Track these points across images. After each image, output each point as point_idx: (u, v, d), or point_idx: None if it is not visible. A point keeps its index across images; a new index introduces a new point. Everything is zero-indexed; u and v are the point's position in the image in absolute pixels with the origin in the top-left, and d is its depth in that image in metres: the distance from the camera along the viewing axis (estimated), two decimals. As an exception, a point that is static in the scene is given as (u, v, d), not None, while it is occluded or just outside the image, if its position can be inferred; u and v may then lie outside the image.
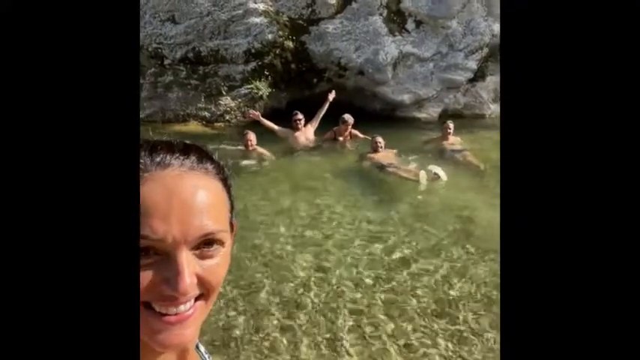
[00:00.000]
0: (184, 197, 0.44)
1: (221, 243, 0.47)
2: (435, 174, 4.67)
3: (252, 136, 5.51)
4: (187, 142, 0.50)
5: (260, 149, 5.50)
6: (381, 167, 4.98)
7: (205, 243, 0.45)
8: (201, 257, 0.45)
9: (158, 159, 0.45)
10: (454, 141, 5.86)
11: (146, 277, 0.43)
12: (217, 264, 0.46)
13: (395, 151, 5.44)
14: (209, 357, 0.59)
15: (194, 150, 0.48)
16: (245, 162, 5.35)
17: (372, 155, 5.28)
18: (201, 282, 0.45)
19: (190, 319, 0.45)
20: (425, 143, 6.12)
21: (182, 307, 0.44)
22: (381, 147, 5.26)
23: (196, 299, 0.46)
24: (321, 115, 5.99)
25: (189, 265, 0.43)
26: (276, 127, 5.91)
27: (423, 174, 4.58)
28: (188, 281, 0.43)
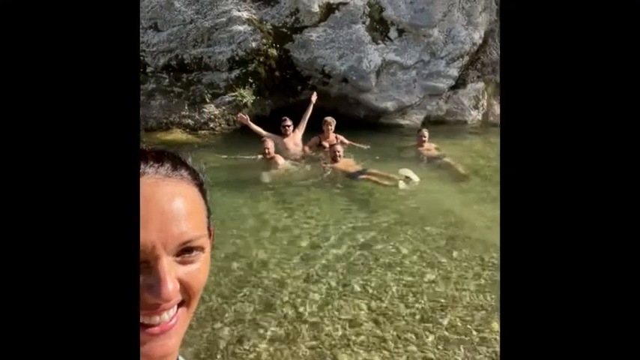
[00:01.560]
0: (161, 205, 0.44)
1: (201, 249, 0.47)
2: (407, 177, 4.74)
3: (270, 144, 5.36)
4: (160, 149, 0.49)
5: (278, 157, 5.38)
6: (351, 175, 4.99)
7: (185, 250, 0.45)
8: (182, 263, 0.45)
9: None
10: (429, 147, 6.05)
11: None
12: (198, 269, 0.46)
13: (352, 159, 5.44)
14: None
15: (167, 157, 0.48)
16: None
17: (333, 165, 5.25)
18: (184, 287, 0.45)
19: (174, 329, 0.45)
20: (400, 150, 6.23)
21: (165, 316, 0.44)
22: (340, 155, 5.27)
23: (178, 306, 0.46)
24: (306, 119, 6.00)
25: (170, 271, 0.43)
26: (264, 132, 5.88)
27: (402, 184, 4.63)
28: (171, 287, 0.42)
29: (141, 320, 0.43)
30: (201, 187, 0.50)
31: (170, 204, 0.44)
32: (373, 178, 4.79)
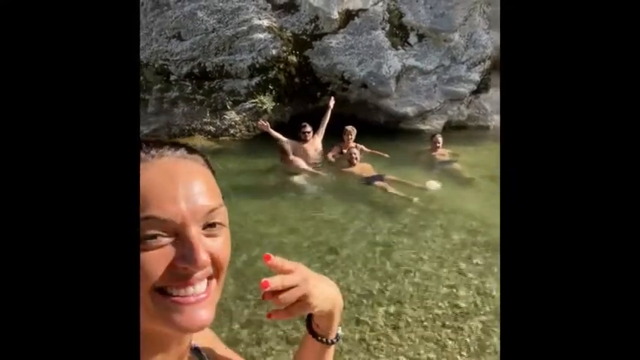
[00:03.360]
0: (185, 179, 0.47)
1: (222, 223, 0.49)
2: (429, 189, 4.71)
3: (288, 146, 5.34)
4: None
5: (297, 159, 5.37)
6: (367, 180, 4.93)
7: (209, 225, 0.47)
8: (208, 236, 0.47)
9: (153, 152, 0.48)
10: (443, 152, 6.01)
11: (159, 261, 0.44)
12: (223, 242, 0.48)
13: (369, 165, 5.38)
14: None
15: (181, 144, 0.52)
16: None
17: (350, 169, 5.18)
18: (212, 260, 0.47)
19: (207, 300, 0.47)
20: (416, 155, 6.19)
21: (198, 287, 0.46)
22: (357, 159, 5.20)
23: (209, 279, 0.48)
24: (325, 124, 6.01)
25: (200, 240, 0.45)
26: (284, 138, 5.92)
27: (416, 199, 4.52)
28: (203, 255, 0.44)
29: (175, 293, 0.45)
30: (213, 172, 0.53)
31: (192, 179, 0.47)
32: (389, 188, 4.69)
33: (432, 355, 2.28)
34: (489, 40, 8.08)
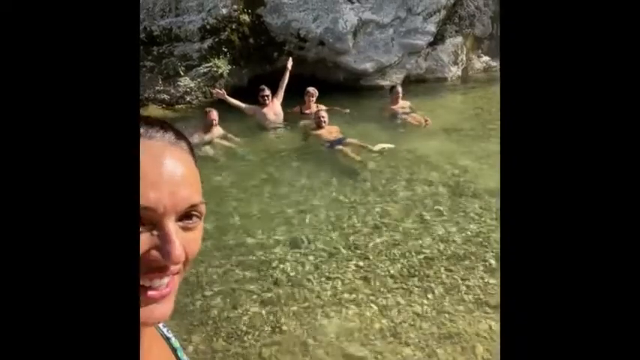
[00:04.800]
0: (171, 168, 0.44)
1: (200, 216, 0.47)
2: (383, 148, 4.71)
3: (214, 115, 5.22)
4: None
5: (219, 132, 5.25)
6: (330, 143, 4.90)
7: (187, 216, 0.45)
8: (183, 229, 0.45)
9: (142, 130, 0.44)
10: (404, 105, 5.99)
11: None
12: (195, 237, 0.47)
13: (337, 127, 5.33)
14: (168, 330, 0.59)
15: (170, 127, 0.49)
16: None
17: (317, 132, 5.14)
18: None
19: (170, 293, 0.45)
20: (379, 110, 6.18)
21: (165, 279, 0.44)
22: (325, 122, 5.16)
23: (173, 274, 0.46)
24: (284, 86, 5.87)
25: (177, 234, 0.43)
26: (242, 104, 5.74)
27: (372, 164, 4.53)
28: (179, 250, 0.43)
29: (142, 283, 0.43)
30: (195, 159, 0.51)
31: (178, 169, 0.45)
32: (348, 151, 4.66)
33: (400, 300, 2.41)
34: (443, -10, 8.00)
